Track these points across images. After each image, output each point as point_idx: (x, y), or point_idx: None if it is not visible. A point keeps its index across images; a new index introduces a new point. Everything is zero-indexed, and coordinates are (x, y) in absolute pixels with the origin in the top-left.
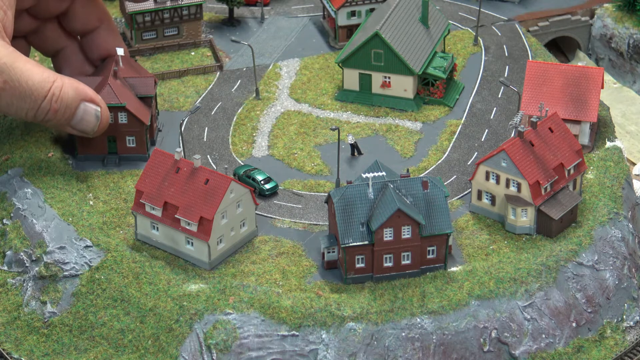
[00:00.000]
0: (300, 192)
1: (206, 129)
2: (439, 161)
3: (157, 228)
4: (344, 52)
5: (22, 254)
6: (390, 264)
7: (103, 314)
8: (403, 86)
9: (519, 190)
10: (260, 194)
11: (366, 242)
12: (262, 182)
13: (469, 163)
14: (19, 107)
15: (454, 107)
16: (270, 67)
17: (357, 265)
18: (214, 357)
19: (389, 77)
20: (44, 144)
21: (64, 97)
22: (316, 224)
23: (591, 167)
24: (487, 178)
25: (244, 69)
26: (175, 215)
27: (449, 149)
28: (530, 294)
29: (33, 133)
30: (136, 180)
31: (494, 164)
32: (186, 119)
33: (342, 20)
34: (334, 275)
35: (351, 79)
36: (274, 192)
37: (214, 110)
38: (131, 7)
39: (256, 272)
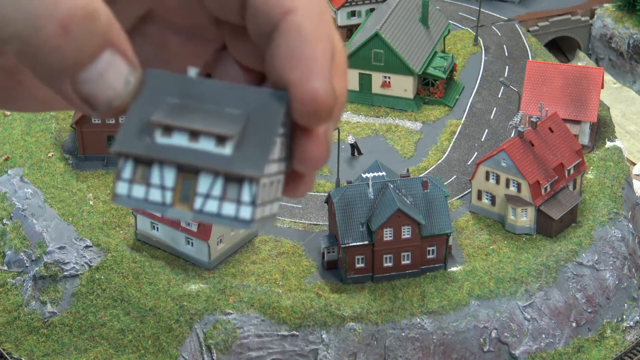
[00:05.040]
0: None
1: None
2: (439, 161)
3: (157, 228)
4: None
5: (22, 254)
6: (390, 264)
7: (103, 314)
8: (403, 86)
9: (519, 190)
10: None
11: (366, 242)
12: None
13: (469, 163)
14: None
15: (454, 107)
16: None
17: (357, 265)
18: (214, 357)
19: (389, 77)
20: (44, 144)
21: (86, 25)
22: (316, 224)
23: (591, 167)
24: (487, 178)
25: None
26: None
27: (449, 149)
28: (530, 294)
29: (33, 133)
30: None
31: (494, 164)
32: None
33: (342, 20)
34: (334, 275)
35: (351, 79)
36: None
37: None
38: None
39: (256, 272)
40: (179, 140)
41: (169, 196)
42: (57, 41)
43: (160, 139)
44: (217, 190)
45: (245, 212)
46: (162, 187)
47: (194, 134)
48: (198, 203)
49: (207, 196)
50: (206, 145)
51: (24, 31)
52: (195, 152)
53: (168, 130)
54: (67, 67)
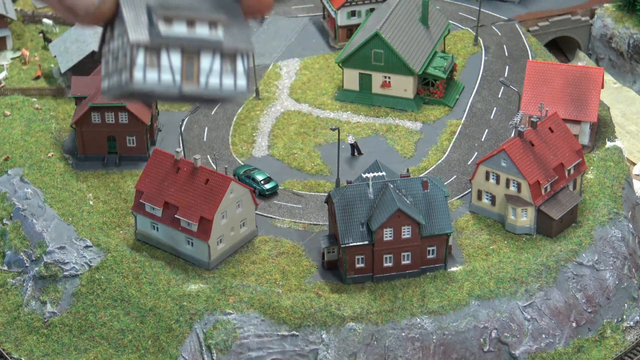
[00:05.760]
0: (300, 192)
1: (206, 129)
2: (439, 161)
3: (157, 228)
4: (344, 52)
5: (22, 254)
6: (390, 264)
7: (103, 314)
8: (403, 86)
9: (519, 190)
10: (260, 194)
11: (366, 242)
12: (262, 182)
13: (469, 163)
14: None
15: (454, 107)
16: (270, 67)
17: (357, 265)
18: (214, 357)
19: (389, 77)
20: (44, 144)
21: None
22: (316, 224)
23: (591, 167)
24: (487, 178)
25: None
26: (175, 216)
27: (449, 149)
28: (530, 294)
29: (33, 133)
30: (136, 180)
31: (494, 164)
32: (186, 119)
33: (342, 20)
34: (334, 275)
35: (351, 79)
36: (274, 192)
37: (214, 110)
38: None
39: (256, 272)
40: (179, 29)
41: (178, 76)
42: None
43: (164, 29)
44: (216, 65)
45: (242, 81)
46: (171, 69)
47: (191, 22)
48: (203, 78)
49: (209, 71)
50: (202, 31)
51: None
52: (194, 36)
53: (169, 21)
54: None
